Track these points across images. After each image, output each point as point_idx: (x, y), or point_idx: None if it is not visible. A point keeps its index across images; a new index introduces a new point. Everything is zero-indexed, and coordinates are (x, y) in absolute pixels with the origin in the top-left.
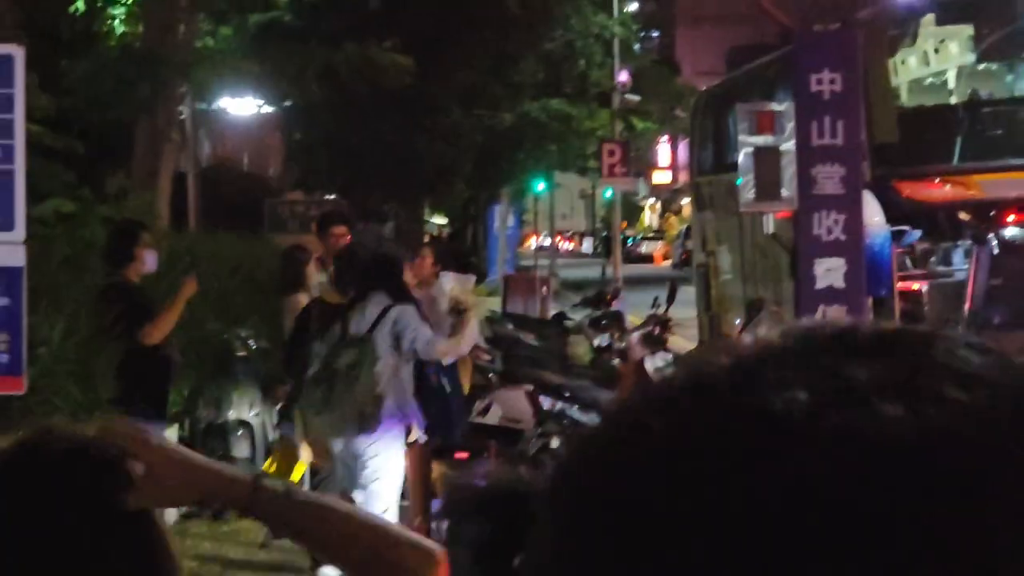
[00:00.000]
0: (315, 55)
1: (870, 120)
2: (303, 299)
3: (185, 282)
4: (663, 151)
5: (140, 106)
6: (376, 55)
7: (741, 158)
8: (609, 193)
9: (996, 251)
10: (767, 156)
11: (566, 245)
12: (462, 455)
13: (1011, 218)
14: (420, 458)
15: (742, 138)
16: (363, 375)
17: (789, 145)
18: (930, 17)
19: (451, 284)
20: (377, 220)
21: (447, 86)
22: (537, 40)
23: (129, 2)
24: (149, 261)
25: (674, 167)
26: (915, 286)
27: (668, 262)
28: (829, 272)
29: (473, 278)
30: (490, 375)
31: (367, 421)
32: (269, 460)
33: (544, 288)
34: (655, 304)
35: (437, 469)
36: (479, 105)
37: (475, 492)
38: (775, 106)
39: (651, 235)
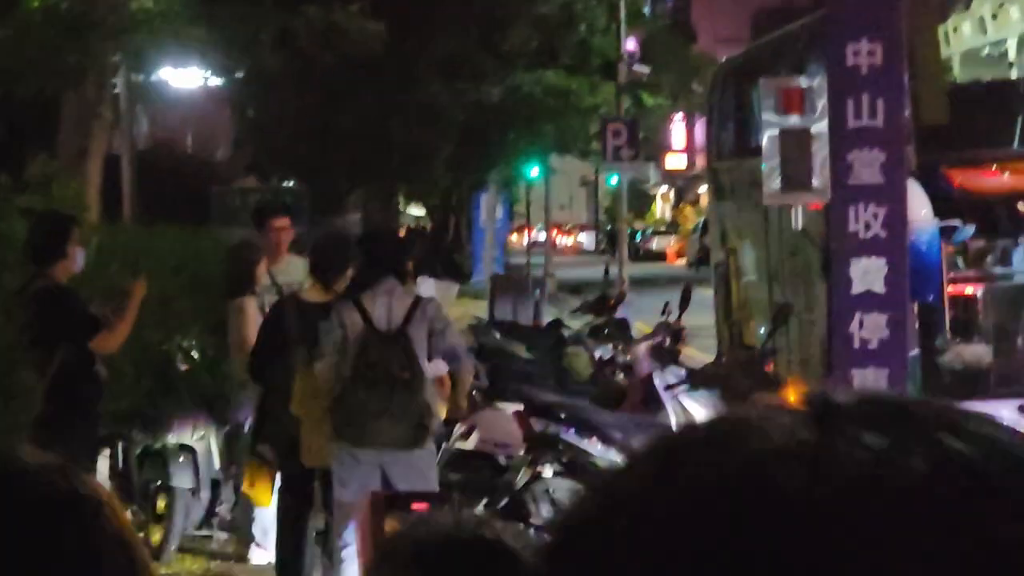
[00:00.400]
0: (270, 18)
1: (916, 98)
2: (251, 303)
3: (135, 285)
4: (677, 131)
5: (66, 78)
6: (341, 19)
7: (765, 141)
8: (614, 180)
9: None
10: (795, 139)
11: (563, 240)
12: (420, 505)
13: None
14: (374, 507)
15: (767, 118)
16: (417, 378)
17: (821, 126)
18: None
19: (431, 292)
20: (333, 213)
21: (425, 55)
22: (530, 2)
23: None
24: (78, 259)
25: (690, 150)
26: (968, 290)
27: (683, 260)
28: (867, 275)
29: (456, 286)
30: (473, 392)
31: (422, 433)
32: (246, 480)
33: (538, 291)
34: (666, 310)
35: (390, 523)
36: (462, 77)
37: (412, 544)
38: (804, 81)
39: (663, 229)
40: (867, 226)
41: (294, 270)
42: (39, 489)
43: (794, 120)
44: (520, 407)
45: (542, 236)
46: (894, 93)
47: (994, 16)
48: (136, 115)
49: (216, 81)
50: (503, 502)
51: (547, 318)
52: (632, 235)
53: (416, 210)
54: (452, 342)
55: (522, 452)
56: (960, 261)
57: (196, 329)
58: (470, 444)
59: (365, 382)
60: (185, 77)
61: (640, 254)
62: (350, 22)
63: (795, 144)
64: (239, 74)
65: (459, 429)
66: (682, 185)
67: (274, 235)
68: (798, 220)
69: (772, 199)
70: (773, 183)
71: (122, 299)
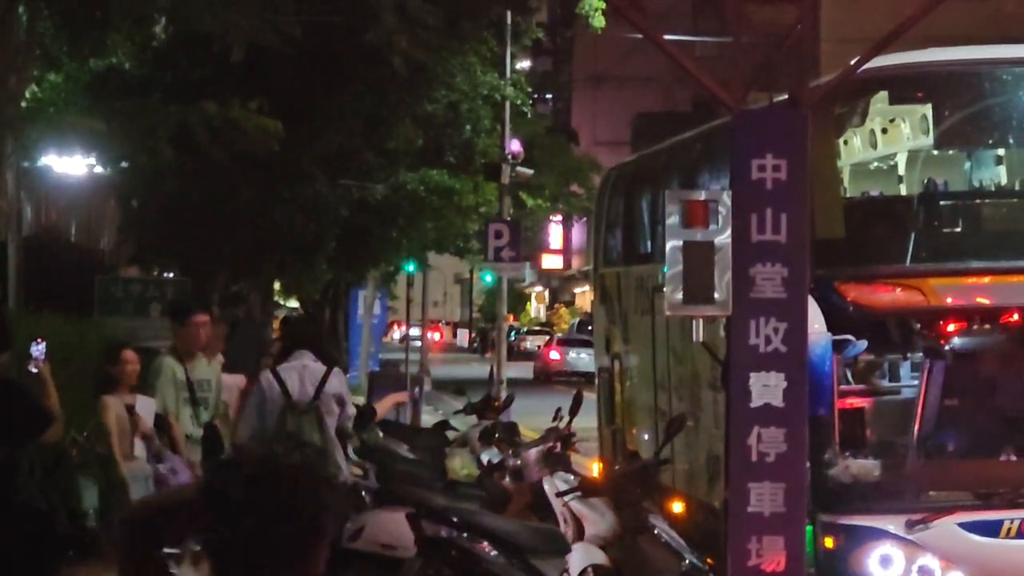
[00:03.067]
0: (169, 113)
1: (813, 212)
2: (114, 401)
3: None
4: (554, 232)
5: None
6: (240, 116)
7: (668, 253)
8: (489, 278)
9: (951, 366)
10: (699, 251)
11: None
12: None
13: (970, 329)
14: None
15: (671, 230)
16: (329, 443)
17: (724, 239)
18: (883, 94)
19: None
20: (233, 303)
21: (311, 151)
22: (416, 102)
23: None
24: None
25: (566, 251)
26: (857, 404)
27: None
28: (767, 388)
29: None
30: (363, 493)
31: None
32: None
33: (416, 389)
34: (557, 416)
35: None
36: (348, 174)
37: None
38: (710, 195)
39: (537, 328)
40: (767, 340)
41: (209, 369)
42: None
43: (698, 233)
44: (412, 510)
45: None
46: (798, 208)
47: (884, 130)
48: (21, 201)
49: (100, 169)
50: None
51: (426, 416)
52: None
53: (293, 303)
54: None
55: (414, 555)
56: (849, 375)
57: (91, 422)
58: (360, 544)
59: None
60: (70, 164)
61: (514, 353)
62: (248, 120)
63: (698, 256)
64: (125, 163)
65: (350, 528)
66: (557, 285)
67: (193, 330)
68: (699, 332)
69: (674, 310)
70: (675, 295)
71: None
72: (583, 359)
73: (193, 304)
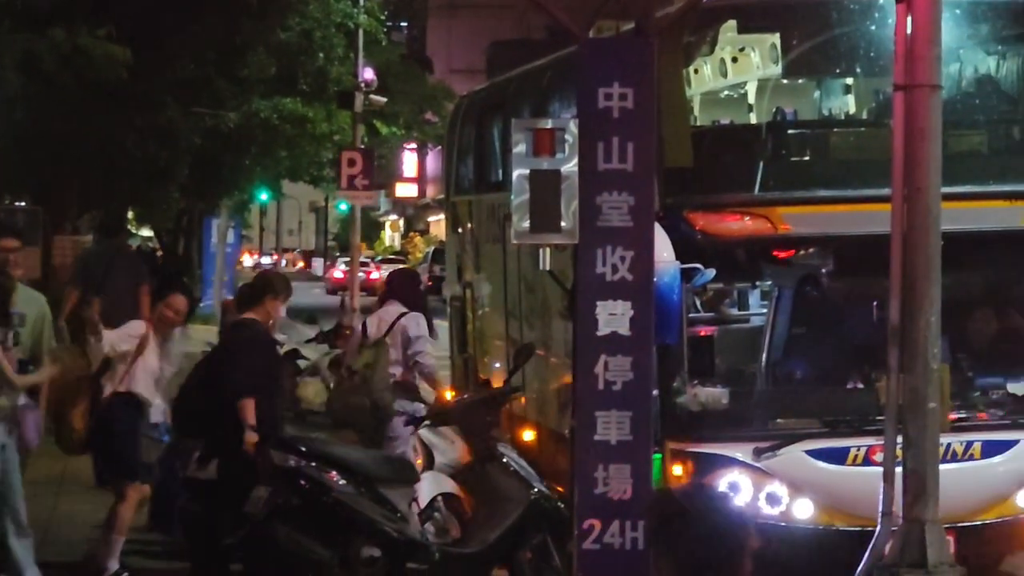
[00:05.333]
0: (15, 40)
1: (661, 141)
2: None
3: None
4: (409, 161)
5: None
6: (88, 44)
7: (515, 182)
8: (344, 207)
9: (799, 295)
10: (545, 180)
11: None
12: None
13: (818, 257)
14: None
15: (517, 159)
16: None
17: (571, 168)
18: (732, 23)
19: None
20: (114, 233)
21: (163, 79)
22: (269, 30)
23: None
24: None
25: (421, 179)
26: (706, 333)
27: None
28: (613, 317)
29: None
30: None
31: None
32: None
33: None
34: None
35: None
36: (200, 102)
37: None
38: (556, 123)
39: (392, 257)
40: (614, 269)
41: (25, 301)
42: None
43: (545, 162)
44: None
45: (268, 260)
46: (644, 137)
47: (734, 59)
48: None
49: None
50: (245, 533)
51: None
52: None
53: (146, 232)
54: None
55: (263, 482)
56: (698, 303)
57: None
58: (207, 473)
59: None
60: None
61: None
62: (97, 48)
63: (545, 185)
64: None
65: (195, 457)
66: (412, 214)
67: (2, 256)
68: (546, 260)
69: (521, 238)
70: (522, 223)
71: None
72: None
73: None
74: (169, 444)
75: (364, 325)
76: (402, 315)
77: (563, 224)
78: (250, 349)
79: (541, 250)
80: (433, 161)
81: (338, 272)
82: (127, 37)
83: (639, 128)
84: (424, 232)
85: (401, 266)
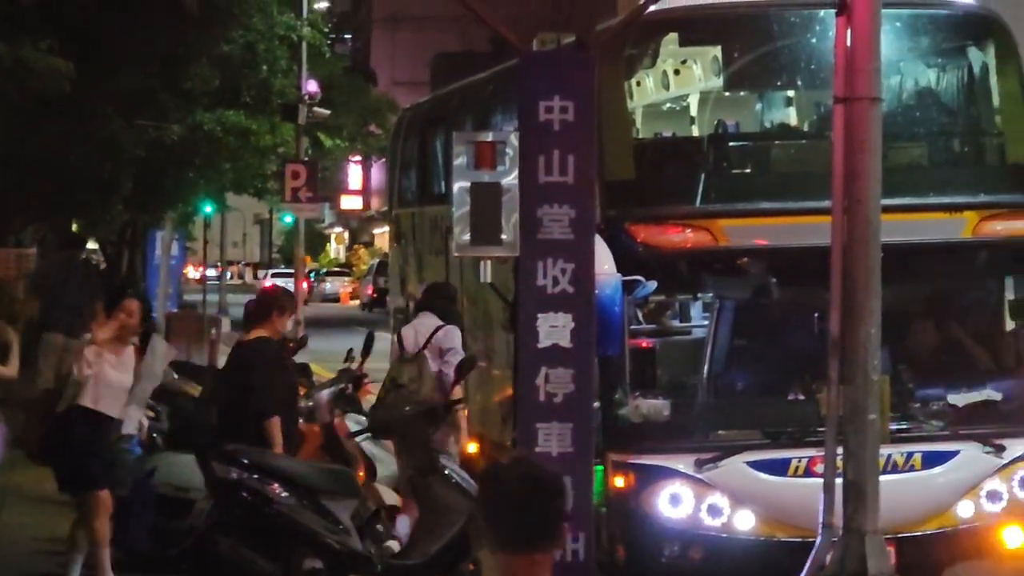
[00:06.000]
0: None
1: (602, 153)
2: None
3: None
4: (353, 173)
5: None
6: (30, 56)
7: (456, 194)
8: (289, 219)
9: (740, 307)
10: (486, 194)
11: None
12: None
13: (759, 269)
14: None
15: (458, 171)
16: None
17: (512, 181)
18: (673, 36)
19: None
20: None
21: (107, 91)
22: (213, 42)
23: None
24: None
25: (366, 192)
26: (648, 344)
27: (356, 302)
28: (554, 329)
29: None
30: (155, 435)
31: None
32: None
33: (213, 330)
34: (349, 356)
35: None
36: (144, 115)
37: None
38: (497, 136)
39: (337, 270)
40: (555, 281)
41: None
42: None
43: (486, 175)
44: (202, 452)
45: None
46: (585, 150)
47: (677, 72)
48: None
49: None
50: (189, 544)
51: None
52: (307, 276)
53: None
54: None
55: (206, 496)
56: (640, 315)
57: None
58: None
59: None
60: None
61: (314, 295)
62: (39, 60)
63: (486, 198)
64: None
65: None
66: (357, 226)
67: None
68: (486, 273)
69: (462, 251)
70: (463, 236)
71: None
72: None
73: None
74: (137, 458)
75: (400, 336)
76: (439, 328)
77: (504, 237)
78: (270, 368)
79: (482, 263)
80: (378, 173)
81: (267, 282)
82: (70, 49)
83: (580, 141)
84: (369, 244)
85: (436, 282)
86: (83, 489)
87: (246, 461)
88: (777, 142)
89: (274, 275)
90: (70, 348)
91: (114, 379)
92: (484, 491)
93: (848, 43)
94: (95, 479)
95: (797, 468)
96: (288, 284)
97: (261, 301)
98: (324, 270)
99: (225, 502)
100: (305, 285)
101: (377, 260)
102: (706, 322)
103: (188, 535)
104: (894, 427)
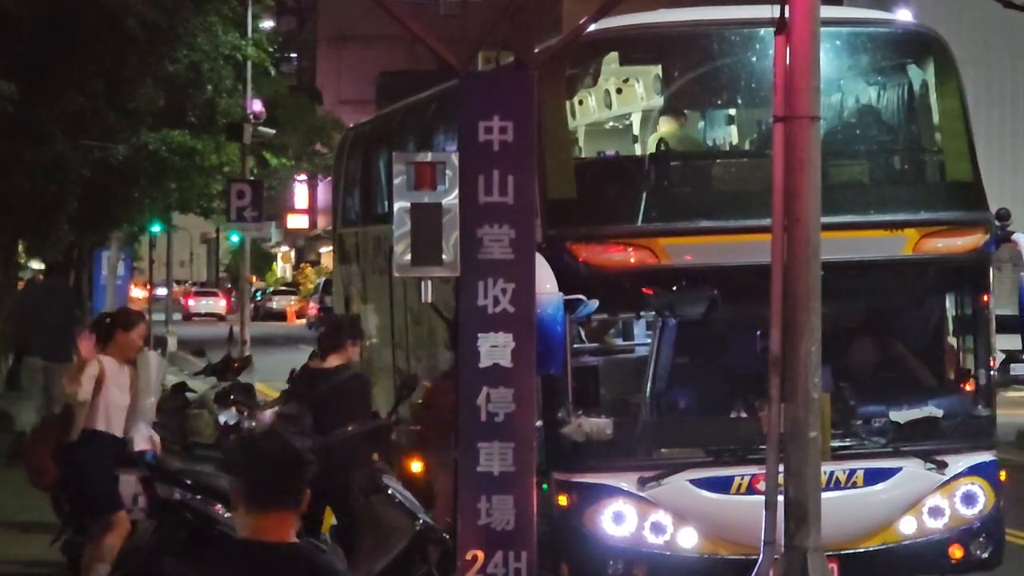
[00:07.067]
0: None
1: (543, 172)
2: None
3: None
4: (299, 192)
5: None
6: None
7: (396, 215)
8: (235, 238)
9: (682, 325)
10: (427, 214)
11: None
12: None
13: (701, 288)
14: None
15: (399, 192)
16: None
17: (452, 201)
18: (614, 55)
19: None
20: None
21: (51, 111)
22: (157, 62)
23: None
24: None
25: (312, 210)
26: (590, 363)
27: (302, 320)
28: (495, 349)
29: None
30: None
31: None
32: None
33: (159, 350)
34: (292, 376)
35: None
36: (89, 135)
37: None
38: (437, 156)
39: (283, 288)
40: (496, 301)
41: None
42: None
43: (426, 195)
44: (145, 472)
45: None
46: (525, 170)
47: (619, 90)
48: None
49: None
50: (133, 566)
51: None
52: (252, 295)
53: (36, 264)
54: None
55: (147, 516)
56: (583, 334)
57: None
58: None
59: None
60: None
61: (262, 313)
62: None
63: (426, 218)
64: None
65: None
66: (303, 245)
67: None
68: (427, 293)
69: (402, 271)
70: (404, 256)
71: None
72: (209, 304)
73: None
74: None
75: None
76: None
77: (444, 257)
78: (360, 395)
79: (423, 283)
80: (324, 192)
81: (191, 301)
82: (13, 71)
83: (520, 161)
84: (316, 263)
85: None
86: (108, 511)
87: (189, 482)
88: (718, 160)
89: (197, 293)
90: (49, 371)
91: (119, 399)
92: (246, 458)
93: (787, 62)
94: (117, 500)
95: (740, 486)
96: (210, 302)
97: (336, 328)
98: (271, 288)
99: (168, 522)
100: (223, 303)
101: (324, 279)
102: (648, 340)
103: (132, 556)
104: (836, 444)
